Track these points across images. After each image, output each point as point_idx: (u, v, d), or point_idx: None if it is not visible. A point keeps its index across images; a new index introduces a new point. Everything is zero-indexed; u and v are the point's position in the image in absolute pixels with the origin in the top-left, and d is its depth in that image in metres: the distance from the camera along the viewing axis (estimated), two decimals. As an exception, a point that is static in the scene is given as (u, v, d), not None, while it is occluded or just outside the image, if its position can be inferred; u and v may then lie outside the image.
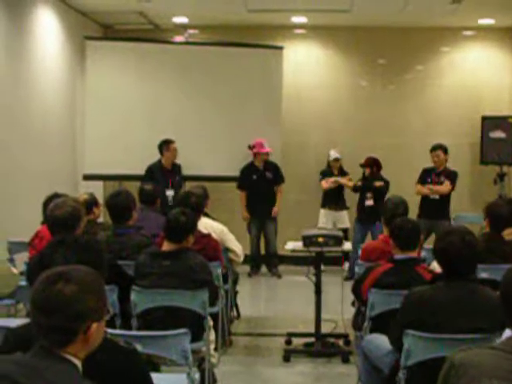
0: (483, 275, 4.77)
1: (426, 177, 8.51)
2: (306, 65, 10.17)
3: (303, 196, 9.96)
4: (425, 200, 8.46)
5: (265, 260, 9.26)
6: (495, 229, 5.30)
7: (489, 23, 9.67)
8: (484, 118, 9.57)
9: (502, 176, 9.37)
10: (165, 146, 8.33)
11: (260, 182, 8.87)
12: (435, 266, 4.30)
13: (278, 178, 8.99)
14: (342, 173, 9.33)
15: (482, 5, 8.57)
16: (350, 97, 10.17)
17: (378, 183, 8.64)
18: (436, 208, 8.36)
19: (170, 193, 8.22)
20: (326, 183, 9.16)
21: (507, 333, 2.72)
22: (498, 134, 9.37)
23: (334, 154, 9.35)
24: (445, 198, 8.41)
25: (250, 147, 8.78)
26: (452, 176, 8.46)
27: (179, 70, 8.83)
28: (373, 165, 8.83)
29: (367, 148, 9.84)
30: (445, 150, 8.43)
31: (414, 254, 4.35)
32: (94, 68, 8.68)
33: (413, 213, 6.77)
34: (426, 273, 4.16)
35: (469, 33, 10.04)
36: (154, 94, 8.76)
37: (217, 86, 8.86)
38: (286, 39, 9.87)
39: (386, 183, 8.72)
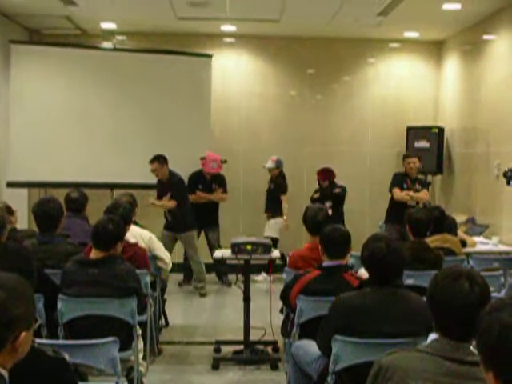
0: (409, 282, 4.88)
1: (402, 182, 8.47)
2: (235, 73, 10.19)
3: (231, 203, 9.95)
4: (400, 205, 8.18)
5: (214, 268, 9.13)
6: (417, 235, 5.49)
7: (414, 36, 9.90)
8: (409, 128, 9.79)
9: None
10: None
11: (205, 192, 8.85)
12: (362, 273, 4.36)
13: (223, 189, 8.98)
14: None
15: (408, 18, 8.76)
16: (278, 106, 10.25)
17: (337, 190, 8.77)
18: None
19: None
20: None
21: (432, 336, 2.78)
22: (423, 144, 9.59)
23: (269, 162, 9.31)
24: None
25: (202, 158, 8.73)
26: (427, 184, 8.62)
27: (107, 77, 8.73)
28: (329, 176, 8.93)
29: (295, 156, 9.96)
30: (419, 158, 8.55)
31: (342, 262, 4.40)
32: (18, 73, 8.49)
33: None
34: (353, 279, 4.21)
35: (395, 45, 10.27)
36: (81, 101, 8.63)
37: (145, 93, 8.79)
38: (216, 47, 9.88)
39: (343, 189, 8.86)
